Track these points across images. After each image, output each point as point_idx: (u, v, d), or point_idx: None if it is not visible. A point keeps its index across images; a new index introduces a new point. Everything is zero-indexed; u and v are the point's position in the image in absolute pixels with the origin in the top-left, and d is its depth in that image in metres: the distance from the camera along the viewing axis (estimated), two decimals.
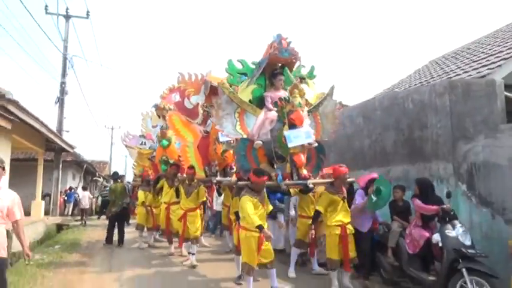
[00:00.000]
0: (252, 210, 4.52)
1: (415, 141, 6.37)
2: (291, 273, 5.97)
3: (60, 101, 15.73)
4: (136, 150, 10.78)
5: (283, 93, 5.39)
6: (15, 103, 8.16)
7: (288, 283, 5.47)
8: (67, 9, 16.24)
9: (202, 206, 8.15)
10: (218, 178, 7.37)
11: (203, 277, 6.01)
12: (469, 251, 4.30)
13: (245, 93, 5.55)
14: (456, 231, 4.45)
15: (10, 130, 8.00)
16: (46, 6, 15.89)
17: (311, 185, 5.15)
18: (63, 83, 15.86)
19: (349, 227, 5.17)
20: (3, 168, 3.75)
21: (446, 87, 5.85)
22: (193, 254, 6.92)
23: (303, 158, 5.06)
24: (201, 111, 8.15)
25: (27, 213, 10.75)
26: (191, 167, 7.24)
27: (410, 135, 6.48)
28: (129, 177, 17.00)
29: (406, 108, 6.63)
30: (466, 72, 7.29)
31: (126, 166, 40.14)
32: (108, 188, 14.50)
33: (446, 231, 4.50)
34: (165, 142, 8.81)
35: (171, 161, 8.57)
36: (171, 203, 7.87)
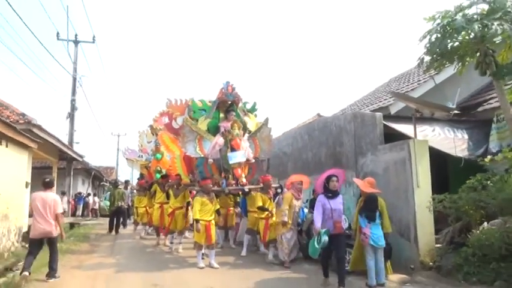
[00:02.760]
0: (199, 206, 6.99)
1: (336, 155, 8.79)
2: (243, 252, 8.41)
3: (71, 116, 18.48)
4: (134, 162, 13.46)
5: (229, 124, 7.88)
6: (39, 127, 10.85)
7: (223, 262, 7.58)
8: (76, 35, 19.04)
9: (186, 206, 10.61)
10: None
11: (180, 258, 8.48)
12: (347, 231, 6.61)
13: (203, 124, 8.06)
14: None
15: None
16: (58, 33, 18.66)
17: (247, 189, 7.63)
18: (73, 100, 18.63)
19: (274, 219, 7.56)
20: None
21: (352, 116, 8.28)
22: (179, 243, 9.35)
23: (240, 171, 7.54)
24: None
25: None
26: (178, 175, 9.69)
27: (334, 151, 8.89)
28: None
29: (331, 130, 9.06)
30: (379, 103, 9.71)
31: (132, 170, 43.12)
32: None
33: None
34: (158, 155, 11.40)
35: (164, 171, 11.07)
36: (163, 203, 10.34)
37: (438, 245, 6.27)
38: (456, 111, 7.39)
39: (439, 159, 7.79)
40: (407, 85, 10.70)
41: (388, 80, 15.02)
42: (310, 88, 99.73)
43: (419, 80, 9.90)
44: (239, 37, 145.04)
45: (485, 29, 5.73)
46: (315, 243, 5.47)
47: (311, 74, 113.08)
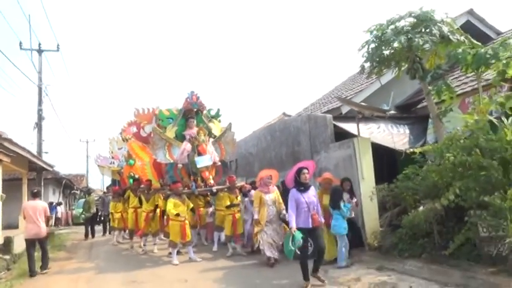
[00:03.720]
0: (172, 207, 7.72)
1: (295, 153, 9.70)
2: (214, 248, 9.20)
3: (39, 127, 18.59)
4: (106, 168, 13.93)
5: (194, 131, 8.63)
6: (10, 141, 11.16)
7: (199, 258, 8.22)
8: (39, 44, 19.09)
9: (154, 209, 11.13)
10: None
11: (155, 257, 9.16)
12: None
13: (171, 132, 8.78)
14: None
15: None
16: (20, 42, 18.67)
17: (215, 190, 8.42)
18: (40, 110, 18.71)
19: (239, 214, 8.36)
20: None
21: (307, 118, 9.21)
22: (154, 244, 10.01)
23: (207, 173, 8.33)
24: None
25: (15, 226, 13.78)
26: (148, 180, 10.34)
27: (293, 149, 9.81)
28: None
29: (290, 131, 9.97)
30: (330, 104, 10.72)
31: (103, 177, 42.93)
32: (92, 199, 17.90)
33: None
34: (131, 161, 11.94)
35: (136, 176, 11.66)
36: (137, 208, 10.94)
37: (382, 229, 7.29)
38: (392, 112, 8.44)
39: (388, 153, 8.84)
40: (361, 84, 11.75)
41: (346, 80, 16.17)
42: (275, 88, 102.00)
43: (368, 82, 10.96)
44: (206, 40, 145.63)
45: (410, 41, 6.75)
46: (289, 243, 5.30)
47: (277, 74, 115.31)
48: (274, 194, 7.37)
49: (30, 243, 7.81)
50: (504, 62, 5.43)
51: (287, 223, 6.43)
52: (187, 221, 8.10)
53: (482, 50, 5.69)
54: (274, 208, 7.26)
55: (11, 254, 9.88)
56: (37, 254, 8.05)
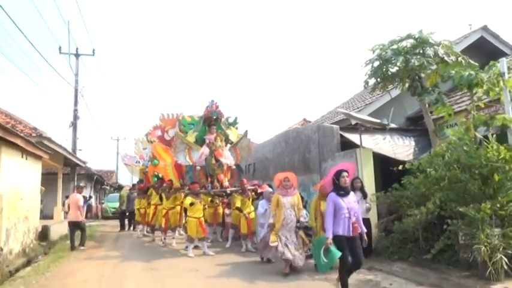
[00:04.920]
0: (189, 204, 8.66)
1: (305, 160, 10.45)
2: (228, 244, 10.08)
3: (74, 125, 20.15)
4: (132, 167, 15.15)
5: (212, 137, 9.55)
6: (49, 139, 12.49)
7: (212, 252, 9.12)
8: (77, 49, 20.70)
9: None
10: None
11: (174, 250, 10.14)
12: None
13: (192, 136, 9.74)
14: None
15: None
16: (60, 47, 20.33)
17: (228, 191, 9.31)
18: (75, 110, 20.28)
19: (252, 214, 9.19)
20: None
21: (316, 128, 9.95)
22: (173, 238, 11.03)
23: (222, 176, 9.22)
24: None
25: (51, 217, 15.22)
26: (170, 180, 11.38)
27: (304, 156, 10.56)
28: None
29: (302, 139, 10.73)
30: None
31: (132, 175, 44.89)
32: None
33: None
34: (155, 161, 13.04)
35: (160, 175, 12.74)
36: (157, 205, 12.02)
37: (379, 233, 7.93)
38: (392, 125, 9.03)
39: (396, 163, 9.40)
40: (373, 96, 12.34)
41: (362, 90, 16.61)
42: (297, 94, 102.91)
43: (379, 94, 11.54)
44: (233, 48, 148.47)
45: (407, 61, 7.39)
46: (321, 257, 4.95)
47: (298, 80, 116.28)
48: (293, 198, 6.96)
49: (72, 225, 10.63)
50: (485, 84, 6.00)
51: (306, 233, 6.79)
52: (202, 219, 9.02)
53: (467, 73, 6.26)
54: (293, 212, 6.85)
55: (47, 241, 11.19)
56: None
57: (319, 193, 7.34)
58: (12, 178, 8.41)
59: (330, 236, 4.87)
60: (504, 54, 11.58)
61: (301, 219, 6.91)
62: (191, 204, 8.67)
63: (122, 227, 15.77)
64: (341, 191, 5.12)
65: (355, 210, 5.09)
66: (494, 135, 6.10)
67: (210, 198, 10.35)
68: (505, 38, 11.77)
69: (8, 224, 8.16)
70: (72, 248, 10.17)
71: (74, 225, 10.64)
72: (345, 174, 5.16)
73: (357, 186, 7.20)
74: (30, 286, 6.54)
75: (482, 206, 5.39)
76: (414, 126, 10.47)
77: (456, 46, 11.62)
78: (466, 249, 5.76)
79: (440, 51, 7.25)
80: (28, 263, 8.54)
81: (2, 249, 7.58)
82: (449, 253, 6.12)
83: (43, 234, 11.32)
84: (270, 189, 8.75)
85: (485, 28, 11.65)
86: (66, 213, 18.56)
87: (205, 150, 9.45)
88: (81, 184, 10.77)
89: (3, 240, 7.80)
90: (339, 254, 4.79)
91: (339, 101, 25.09)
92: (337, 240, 4.88)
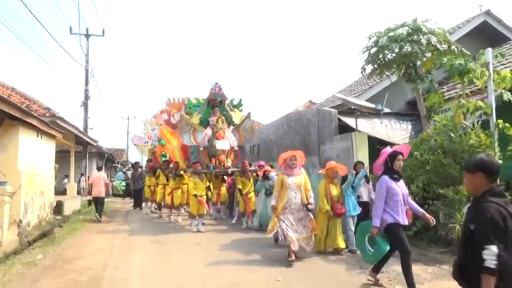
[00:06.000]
0: (192, 185, 9.26)
1: (306, 142, 10.91)
2: (233, 221, 10.73)
3: (85, 105, 20.84)
4: (142, 147, 15.84)
5: (214, 119, 10.06)
6: (62, 119, 13.16)
7: (204, 229, 9.66)
8: (87, 29, 21.17)
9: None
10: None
11: (179, 225, 10.84)
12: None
13: (196, 118, 10.27)
14: None
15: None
16: (70, 28, 20.83)
17: (229, 171, 9.87)
18: (86, 90, 20.94)
19: (251, 194, 9.75)
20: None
21: (316, 112, 10.36)
22: (178, 215, 11.74)
23: (223, 157, 9.76)
24: None
25: (63, 192, 16.03)
26: (176, 162, 11.99)
27: (304, 139, 11.02)
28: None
29: (303, 122, 11.16)
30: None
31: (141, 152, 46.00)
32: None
33: None
34: (163, 141, 13.66)
35: (167, 155, 13.37)
36: (165, 184, 12.70)
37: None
38: (386, 110, 9.40)
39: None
40: (374, 80, 12.64)
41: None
42: (304, 76, 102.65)
43: (382, 78, 11.84)
44: (241, 30, 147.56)
45: (401, 48, 7.72)
46: (367, 246, 4.78)
47: (306, 62, 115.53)
48: (299, 178, 6.47)
49: (95, 199, 12.09)
50: (472, 73, 6.36)
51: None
52: (204, 197, 9.61)
53: (457, 62, 6.60)
54: (299, 194, 6.34)
55: (62, 215, 12.01)
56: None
57: (327, 176, 7.06)
58: (28, 156, 9.10)
59: (378, 224, 4.48)
60: (507, 39, 11.74)
61: (311, 200, 6.44)
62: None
63: (135, 205, 16.08)
64: (395, 175, 4.69)
65: (407, 196, 4.74)
66: (480, 122, 6.49)
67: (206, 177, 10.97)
68: (508, 23, 11.86)
69: (26, 198, 8.89)
70: (98, 218, 11.69)
71: (96, 200, 12.05)
72: (400, 157, 4.73)
73: (359, 171, 7.22)
74: (48, 254, 7.26)
75: (460, 188, 5.85)
76: (413, 111, 10.82)
77: (459, 30, 11.86)
78: (444, 228, 6.25)
79: (433, 39, 7.55)
80: (44, 235, 9.30)
81: (21, 221, 8.33)
82: (432, 232, 6.61)
83: (58, 209, 12.14)
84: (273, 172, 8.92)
85: (488, 12, 11.76)
86: (83, 189, 19.58)
87: (208, 131, 9.97)
88: (99, 165, 12.50)
89: (22, 213, 8.56)
90: (387, 248, 4.51)
91: (345, 84, 25.26)
92: (394, 228, 4.49)
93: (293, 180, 6.38)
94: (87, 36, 21.20)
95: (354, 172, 7.19)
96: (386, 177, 4.63)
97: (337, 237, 6.86)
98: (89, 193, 21.28)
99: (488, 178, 2.42)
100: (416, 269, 5.50)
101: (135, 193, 16.64)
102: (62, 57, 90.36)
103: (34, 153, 9.62)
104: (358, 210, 7.04)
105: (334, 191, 6.93)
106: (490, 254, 2.19)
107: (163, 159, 13.51)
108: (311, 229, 6.45)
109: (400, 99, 11.74)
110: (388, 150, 4.88)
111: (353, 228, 6.81)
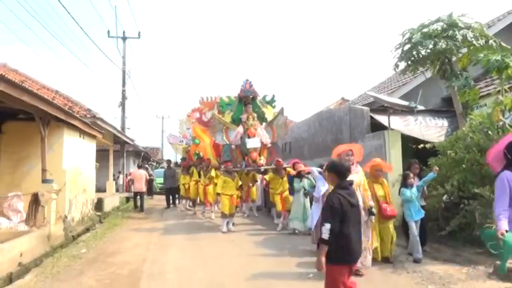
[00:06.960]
0: (221, 183, 9.49)
1: (338, 140, 10.89)
2: (275, 221, 10.59)
3: (122, 105, 21.65)
4: (177, 146, 16.33)
5: (245, 116, 10.23)
6: (102, 120, 13.79)
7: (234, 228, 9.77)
8: (124, 32, 21.95)
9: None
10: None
11: (212, 223, 11.14)
12: None
13: (228, 117, 10.50)
14: None
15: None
16: (108, 31, 21.67)
17: (262, 169, 10.02)
18: (123, 91, 21.74)
19: (286, 193, 9.80)
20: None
21: (348, 110, 10.33)
22: (211, 212, 12.05)
23: (255, 154, 9.89)
24: None
25: (104, 190, 16.71)
26: (208, 159, 12.32)
27: (336, 137, 11.02)
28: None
29: (335, 120, 11.16)
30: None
31: (176, 151, 47.16)
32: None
33: None
34: (197, 141, 14.07)
35: (201, 154, 13.74)
36: (198, 181, 13.06)
37: None
38: (420, 107, 9.20)
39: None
40: (406, 77, 12.39)
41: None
42: (337, 73, 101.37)
43: (416, 74, 11.60)
44: (270, 29, 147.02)
45: (436, 45, 7.57)
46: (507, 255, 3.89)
47: (338, 59, 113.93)
48: (358, 176, 5.56)
49: (137, 194, 14.22)
50: (511, 69, 6.17)
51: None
52: (235, 196, 9.76)
53: (494, 57, 6.42)
54: (359, 196, 5.23)
55: (102, 211, 12.62)
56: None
57: (370, 175, 6.26)
58: (72, 155, 9.67)
59: (504, 226, 3.72)
60: None
61: (370, 203, 5.56)
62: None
63: (168, 204, 15.69)
64: None
65: None
66: None
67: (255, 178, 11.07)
68: None
69: (70, 195, 9.46)
70: (141, 210, 13.76)
71: (138, 195, 14.10)
72: None
73: (414, 171, 6.49)
74: (91, 248, 7.73)
75: None
76: (449, 107, 10.54)
77: (498, 23, 11.46)
78: (480, 228, 6.11)
79: (470, 35, 7.36)
80: (87, 230, 9.85)
81: (66, 217, 8.88)
82: (467, 232, 6.48)
83: (98, 205, 12.77)
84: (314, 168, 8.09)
85: None
86: (121, 186, 20.42)
87: (240, 129, 10.17)
88: (140, 164, 14.76)
89: (67, 209, 9.12)
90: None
91: (378, 80, 24.78)
92: None
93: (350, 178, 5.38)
94: (124, 38, 21.99)
95: (411, 173, 6.39)
96: (508, 173, 3.85)
97: (388, 245, 6.04)
98: (126, 190, 22.34)
99: (339, 176, 3.61)
100: (450, 269, 5.49)
101: (166, 191, 16.24)
102: (100, 60, 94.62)
103: (77, 152, 10.20)
104: (422, 213, 6.28)
105: (380, 191, 6.07)
106: (325, 229, 3.31)
107: (197, 157, 13.88)
108: (370, 241, 5.52)
109: (435, 96, 11.45)
110: (509, 137, 4.08)
111: (417, 234, 6.05)
